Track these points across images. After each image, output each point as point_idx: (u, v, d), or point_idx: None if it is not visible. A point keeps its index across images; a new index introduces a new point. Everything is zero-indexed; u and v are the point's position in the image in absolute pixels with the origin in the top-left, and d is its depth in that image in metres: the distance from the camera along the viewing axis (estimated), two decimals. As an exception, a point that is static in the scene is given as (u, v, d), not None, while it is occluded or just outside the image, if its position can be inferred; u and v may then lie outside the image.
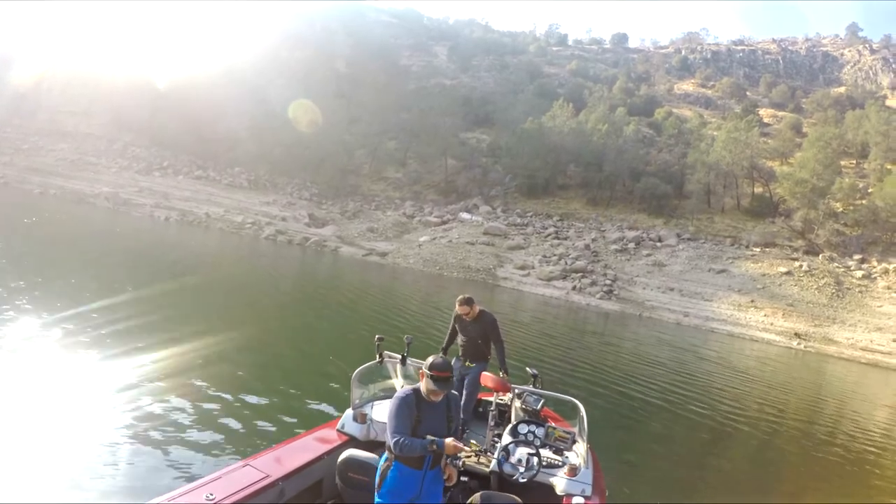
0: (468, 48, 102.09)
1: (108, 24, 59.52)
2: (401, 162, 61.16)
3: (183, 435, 7.47)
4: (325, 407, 9.35)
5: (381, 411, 5.51)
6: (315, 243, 41.80)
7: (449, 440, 4.47)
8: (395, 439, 4.34)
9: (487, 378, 7.31)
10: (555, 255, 41.99)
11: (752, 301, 36.95)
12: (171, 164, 53.24)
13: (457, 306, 7.63)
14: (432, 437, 4.39)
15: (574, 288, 37.71)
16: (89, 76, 56.99)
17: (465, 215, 49.47)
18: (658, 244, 44.83)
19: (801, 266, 39.98)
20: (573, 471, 4.88)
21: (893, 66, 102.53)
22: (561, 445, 5.51)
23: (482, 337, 7.55)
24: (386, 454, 4.53)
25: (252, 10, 67.52)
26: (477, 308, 7.58)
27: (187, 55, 56.35)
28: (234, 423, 8.13)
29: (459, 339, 7.84)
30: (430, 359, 4.46)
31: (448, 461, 4.58)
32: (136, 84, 54.85)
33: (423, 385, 4.46)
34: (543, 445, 5.46)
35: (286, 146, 53.01)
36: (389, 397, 5.77)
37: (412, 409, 4.45)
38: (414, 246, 42.86)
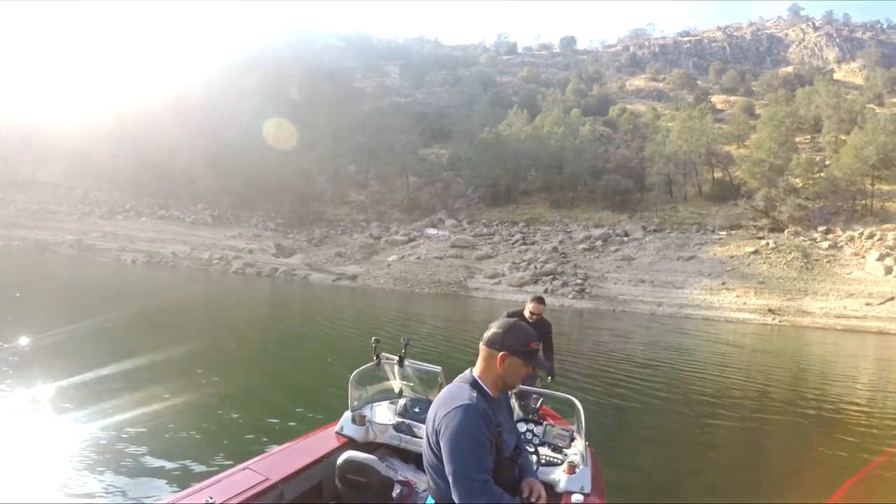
0: (420, 65, 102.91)
1: (52, 69, 58.95)
2: (362, 184, 61.00)
3: (183, 440, 7.60)
4: (323, 410, 9.34)
5: (380, 413, 5.42)
6: (284, 273, 41.33)
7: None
8: (475, 485, 2.61)
9: None
10: (524, 260, 42.00)
11: (724, 283, 37.19)
12: (133, 207, 52.48)
13: (529, 305, 7.40)
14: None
15: (546, 291, 37.62)
16: (38, 124, 56.17)
17: (431, 231, 49.30)
18: (625, 239, 45.03)
19: (767, 244, 40.38)
20: (572, 468, 4.75)
21: (837, 40, 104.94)
22: (559, 443, 5.39)
23: (541, 341, 7.25)
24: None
25: (199, 41, 67.33)
26: None
27: (135, 91, 55.70)
28: (233, 428, 8.29)
29: None
30: (509, 323, 2.88)
31: None
32: (87, 128, 54.06)
33: (501, 372, 2.82)
34: (542, 444, 5.34)
35: (245, 176, 52.48)
36: (387, 399, 5.62)
37: (492, 424, 2.76)
38: (383, 266, 42.59)
